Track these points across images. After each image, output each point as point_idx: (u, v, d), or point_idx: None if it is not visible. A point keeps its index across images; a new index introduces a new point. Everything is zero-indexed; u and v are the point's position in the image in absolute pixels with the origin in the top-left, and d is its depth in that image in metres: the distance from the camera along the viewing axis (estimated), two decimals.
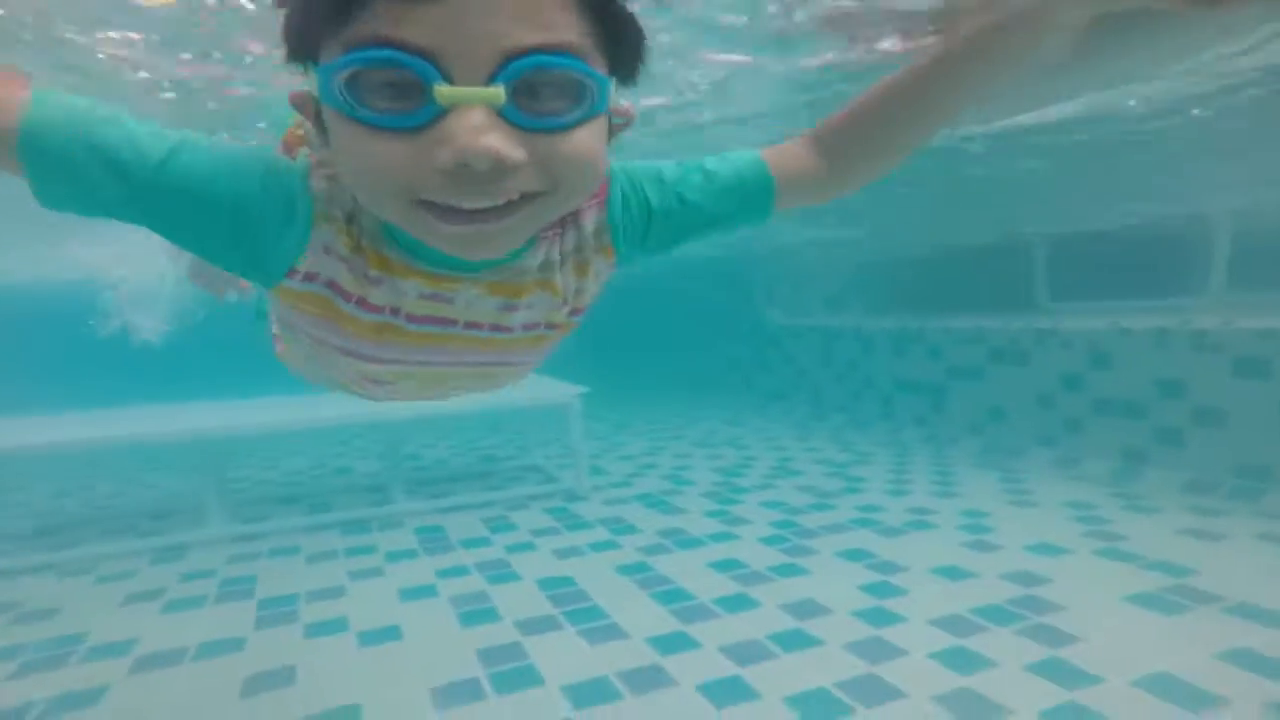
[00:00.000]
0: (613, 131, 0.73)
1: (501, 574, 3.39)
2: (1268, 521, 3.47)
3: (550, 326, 0.97)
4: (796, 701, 2.18)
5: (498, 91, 0.57)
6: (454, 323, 0.89)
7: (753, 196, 0.94)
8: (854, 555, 3.39)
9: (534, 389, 4.70)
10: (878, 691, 2.21)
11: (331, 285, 0.83)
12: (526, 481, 5.14)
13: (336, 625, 2.88)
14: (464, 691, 2.33)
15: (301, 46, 0.64)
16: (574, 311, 0.97)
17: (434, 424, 7.46)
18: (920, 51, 0.98)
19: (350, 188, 0.75)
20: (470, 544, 3.86)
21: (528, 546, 3.79)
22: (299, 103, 0.72)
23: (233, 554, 3.85)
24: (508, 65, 0.58)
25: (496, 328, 0.92)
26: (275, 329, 1.28)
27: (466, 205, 0.63)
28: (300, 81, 0.71)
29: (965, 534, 3.60)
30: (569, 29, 0.60)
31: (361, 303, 0.84)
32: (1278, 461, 3.71)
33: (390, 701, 2.29)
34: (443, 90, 0.57)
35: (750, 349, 8.66)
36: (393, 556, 3.72)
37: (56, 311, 8.20)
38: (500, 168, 0.60)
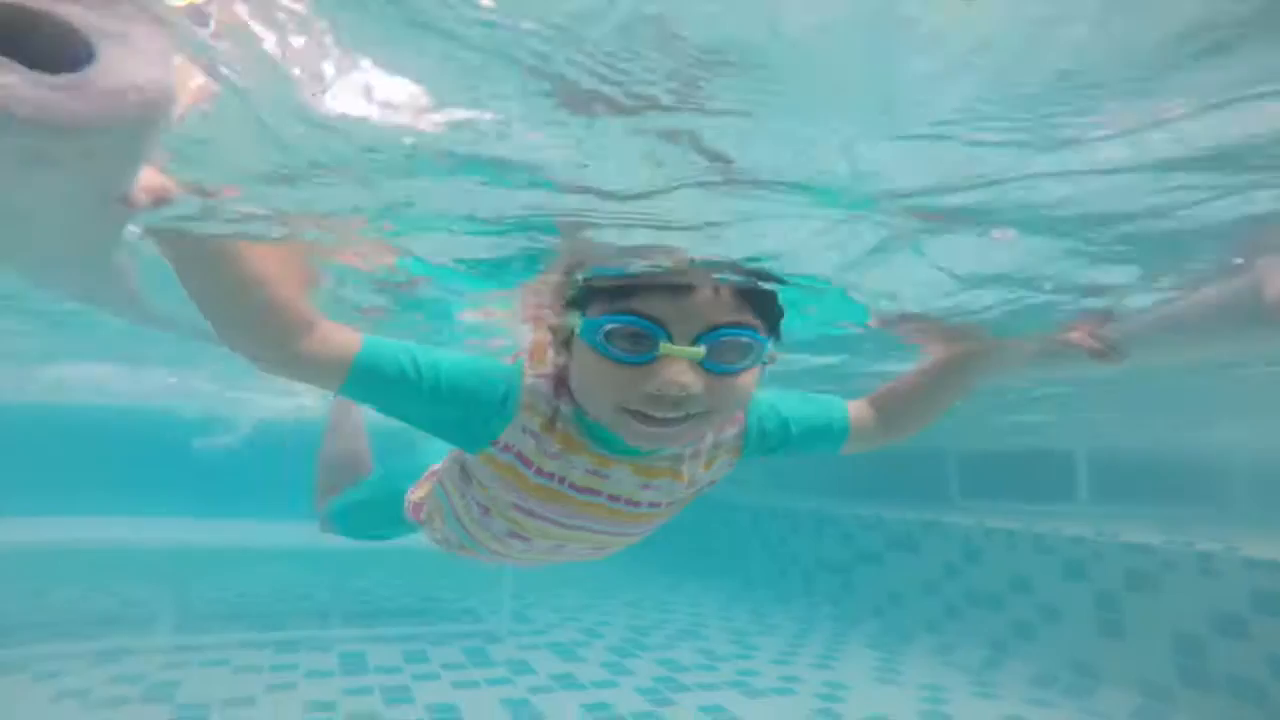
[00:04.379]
0: (764, 368, 1.11)
1: (399, 698, 3.81)
2: (1088, 717, 3.86)
3: (669, 505, 1.28)
4: None
5: (700, 350, 0.97)
6: (601, 494, 1.21)
7: (832, 439, 1.36)
8: (710, 709, 3.81)
9: None
10: None
11: (519, 455, 1.17)
12: (456, 620, 5.57)
13: None
14: None
15: (578, 303, 1.09)
16: (693, 494, 1.30)
17: (388, 559, 7.86)
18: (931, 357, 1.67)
19: (578, 391, 1.10)
20: (382, 670, 4.28)
21: (432, 676, 4.21)
22: (556, 329, 1.14)
23: (167, 662, 4.21)
24: (709, 333, 0.97)
25: (631, 502, 1.24)
26: (419, 500, 1.66)
27: (658, 415, 1.00)
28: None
29: (818, 701, 4.00)
30: (747, 312, 1.01)
31: (538, 470, 1.18)
32: (1103, 661, 4.15)
33: None
34: (666, 346, 0.96)
35: (702, 521, 9.14)
36: (311, 674, 4.13)
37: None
38: (686, 395, 0.97)
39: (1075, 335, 1.61)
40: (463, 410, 1.11)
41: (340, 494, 2.14)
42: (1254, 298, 1.25)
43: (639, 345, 0.97)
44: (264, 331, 1.02)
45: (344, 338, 1.07)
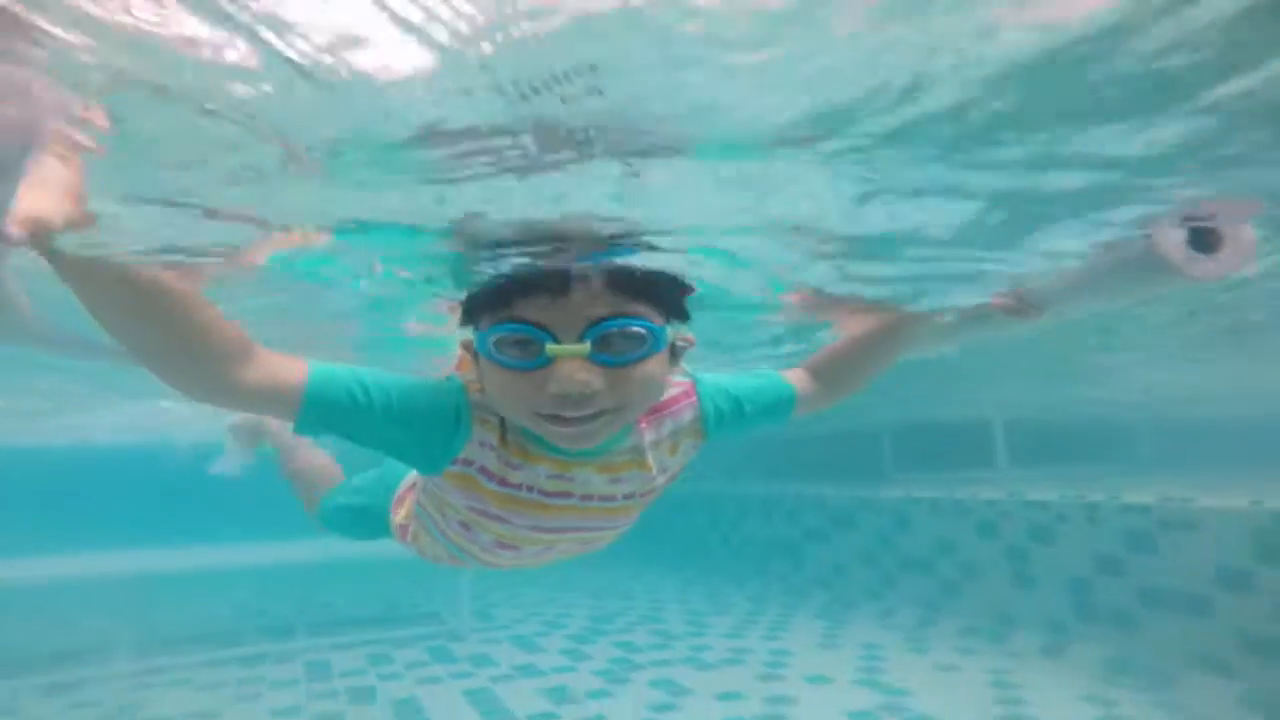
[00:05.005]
0: (679, 353, 1.15)
1: (363, 698, 3.97)
2: (1004, 659, 4.24)
3: (644, 495, 1.30)
4: None
5: (585, 347, 0.98)
6: (572, 495, 1.23)
7: (782, 409, 1.42)
8: (660, 683, 4.07)
9: None
10: None
11: (481, 469, 1.17)
12: (420, 624, 5.72)
13: None
14: None
15: (470, 319, 1.13)
16: (667, 480, 1.33)
17: (351, 570, 7.92)
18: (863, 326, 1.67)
19: (494, 402, 1.11)
20: (347, 674, 4.43)
21: (397, 676, 4.37)
22: (466, 346, 1.16)
23: (128, 686, 4.23)
24: (590, 329, 0.99)
25: (605, 498, 1.26)
26: (403, 521, 1.66)
27: (568, 415, 1.01)
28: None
29: (764, 668, 4.30)
30: (632, 303, 1.02)
31: (502, 481, 1.19)
32: (1016, 607, 4.56)
33: None
34: (551, 347, 0.98)
35: (659, 512, 9.42)
36: (276, 684, 4.25)
37: None
38: (587, 392, 0.99)
39: (991, 296, 1.67)
40: (420, 431, 1.12)
41: (321, 500, 2.16)
42: (1147, 253, 1.33)
43: (527, 350, 1.00)
44: (193, 360, 0.97)
45: (289, 366, 1.05)
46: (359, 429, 1.09)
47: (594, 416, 1.02)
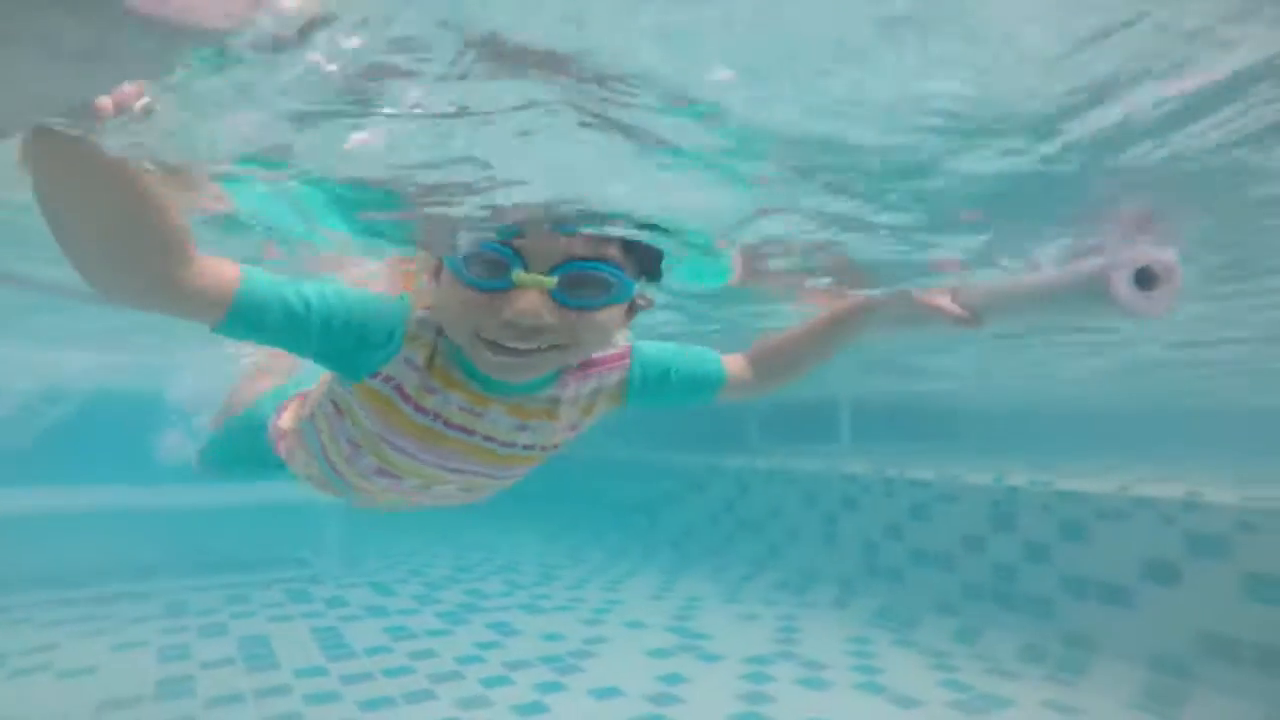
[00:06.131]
0: (635, 310, 1.13)
1: (213, 633, 4.20)
2: (800, 609, 4.86)
3: (543, 448, 1.29)
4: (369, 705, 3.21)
5: (551, 280, 0.97)
6: (475, 433, 1.21)
7: (708, 389, 1.41)
8: (495, 625, 4.49)
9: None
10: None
11: (398, 388, 1.16)
12: (284, 568, 5.93)
13: (40, 667, 3.54)
14: (128, 703, 3.16)
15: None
16: (569, 438, 1.32)
17: (227, 516, 7.94)
18: (810, 315, 1.63)
19: (439, 317, 1.10)
20: (203, 612, 4.63)
21: (249, 614, 4.61)
22: (426, 258, 1.15)
23: None
24: (562, 265, 0.98)
25: (505, 444, 1.24)
26: (285, 428, 1.62)
27: (510, 345, 1.01)
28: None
29: (592, 614, 4.78)
30: (610, 249, 1.01)
31: (417, 406, 1.17)
32: (820, 566, 5.22)
33: (54, 713, 2.99)
34: (519, 274, 0.97)
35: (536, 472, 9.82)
36: (128, 621, 4.41)
37: None
38: (538, 326, 0.98)
39: (939, 300, 1.63)
40: (349, 342, 1.10)
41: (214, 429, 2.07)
42: (1102, 288, 1.30)
43: (494, 271, 0.98)
44: (141, 256, 0.88)
45: (221, 269, 0.98)
46: (285, 336, 1.06)
47: (533, 352, 1.03)
